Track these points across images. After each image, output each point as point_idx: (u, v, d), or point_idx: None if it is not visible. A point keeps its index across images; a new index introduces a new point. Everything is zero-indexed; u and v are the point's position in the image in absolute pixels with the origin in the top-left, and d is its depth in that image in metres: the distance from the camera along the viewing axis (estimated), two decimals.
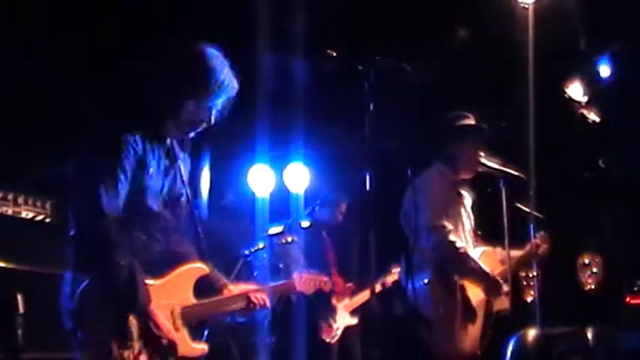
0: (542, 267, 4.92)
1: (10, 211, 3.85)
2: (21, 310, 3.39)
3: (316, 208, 6.17)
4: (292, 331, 5.56)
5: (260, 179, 6.79)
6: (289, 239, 5.60)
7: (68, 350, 3.76)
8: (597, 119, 5.54)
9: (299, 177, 6.89)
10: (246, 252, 5.49)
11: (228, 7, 5.81)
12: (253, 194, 6.75)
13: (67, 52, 5.31)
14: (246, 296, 3.32)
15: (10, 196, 3.87)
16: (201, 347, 3.15)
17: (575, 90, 5.98)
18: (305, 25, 5.79)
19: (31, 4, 5.19)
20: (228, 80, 3.11)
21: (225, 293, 3.30)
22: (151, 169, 3.10)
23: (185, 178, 3.25)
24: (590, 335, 4.18)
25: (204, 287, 3.24)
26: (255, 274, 5.55)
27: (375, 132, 3.10)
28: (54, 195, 4.10)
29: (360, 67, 3.13)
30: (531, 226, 4.78)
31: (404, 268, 4.39)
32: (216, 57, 3.13)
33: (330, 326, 5.66)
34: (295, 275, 3.61)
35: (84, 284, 2.90)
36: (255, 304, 3.34)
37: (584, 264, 5.54)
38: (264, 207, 6.68)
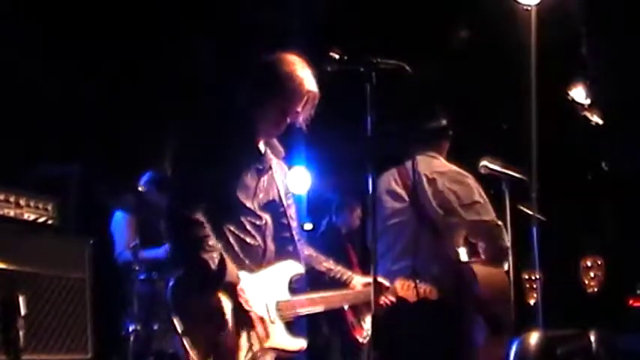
0: (544, 270, 4.91)
1: (12, 213, 3.85)
2: (22, 311, 3.39)
3: (333, 217, 6.21)
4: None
5: None
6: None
7: (69, 352, 3.77)
8: (600, 121, 5.54)
9: (301, 180, 6.90)
10: None
11: (227, 7, 5.81)
12: None
13: (70, 51, 5.32)
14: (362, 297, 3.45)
15: (12, 198, 3.86)
16: (300, 342, 3.22)
17: (578, 92, 5.98)
18: (306, 26, 5.79)
19: (31, 2, 5.20)
20: (305, 85, 3.24)
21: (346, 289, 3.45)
22: (244, 167, 3.22)
23: (279, 183, 3.37)
24: (592, 338, 4.17)
25: (325, 282, 3.43)
26: None
27: (377, 134, 3.09)
28: (56, 197, 4.10)
29: (361, 69, 3.12)
30: (534, 228, 4.77)
31: (396, 257, 4.19)
32: (291, 63, 3.27)
33: (361, 327, 5.80)
34: (397, 282, 3.57)
35: (177, 276, 3.04)
36: (380, 305, 3.44)
37: (587, 266, 5.53)
38: None
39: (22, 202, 3.88)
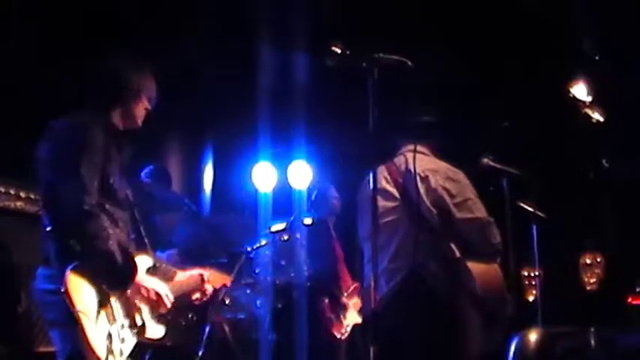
0: (544, 267, 4.92)
1: (12, 206, 3.85)
2: (23, 304, 3.40)
3: (312, 211, 6.09)
4: (294, 328, 5.56)
5: (263, 176, 6.80)
6: (286, 237, 5.58)
7: None
8: (601, 119, 5.54)
9: (302, 174, 6.90)
10: (249, 249, 5.47)
11: (230, 2, 5.80)
12: (256, 191, 6.76)
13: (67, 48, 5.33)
14: (199, 285, 3.57)
15: (13, 190, 3.87)
16: (159, 332, 3.26)
17: (580, 89, 5.97)
18: (307, 20, 5.78)
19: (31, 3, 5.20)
20: (143, 82, 3.41)
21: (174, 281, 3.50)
22: (112, 157, 3.21)
23: (121, 165, 3.35)
24: (591, 335, 4.17)
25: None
26: (257, 271, 5.55)
27: (379, 129, 3.09)
28: None
29: (363, 64, 3.12)
30: (534, 225, 4.78)
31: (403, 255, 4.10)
32: (124, 66, 3.42)
33: (340, 322, 5.68)
34: (207, 271, 3.71)
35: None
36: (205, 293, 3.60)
37: (586, 264, 5.54)
38: (267, 204, 6.69)
39: (22, 194, 3.89)
